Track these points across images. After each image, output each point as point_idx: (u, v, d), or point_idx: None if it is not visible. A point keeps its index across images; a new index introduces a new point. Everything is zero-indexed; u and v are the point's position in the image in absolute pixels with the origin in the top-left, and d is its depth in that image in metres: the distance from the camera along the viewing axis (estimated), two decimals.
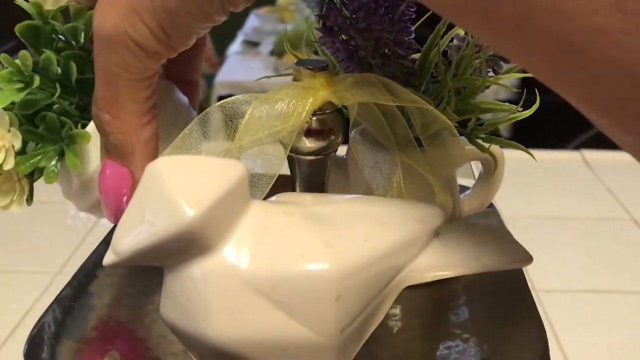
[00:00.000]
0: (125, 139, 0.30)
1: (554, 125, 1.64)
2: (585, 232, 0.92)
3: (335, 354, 0.28)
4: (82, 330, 0.33)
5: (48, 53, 0.33)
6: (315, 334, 0.27)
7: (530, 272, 0.78)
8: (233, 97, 0.32)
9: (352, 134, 0.34)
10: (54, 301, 0.34)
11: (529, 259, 0.31)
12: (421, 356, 0.33)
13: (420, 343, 0.34)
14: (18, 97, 0.32)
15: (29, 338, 0.31)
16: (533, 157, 0.35)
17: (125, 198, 0.31)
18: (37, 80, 0.32)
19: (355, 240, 0.28)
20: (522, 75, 0.35)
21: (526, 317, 0.34)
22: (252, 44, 2.04)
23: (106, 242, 0.41)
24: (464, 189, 0.42)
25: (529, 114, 0.35)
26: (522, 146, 0.36)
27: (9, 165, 0.32)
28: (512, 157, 0.44)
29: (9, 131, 0.32)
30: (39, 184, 0.35)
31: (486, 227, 0.33)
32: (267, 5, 2.27)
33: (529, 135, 1.59)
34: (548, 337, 0.69)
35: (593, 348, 0.68)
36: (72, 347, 0.32)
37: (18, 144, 0.32)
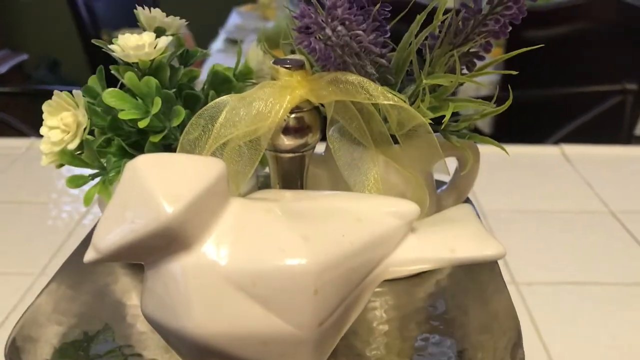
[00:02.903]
0: None
1: (534, 122, 1.65)
2: (565, 225, 0.93)
3: (313, 347, 0.29)
4: (63, 329, 0.34)
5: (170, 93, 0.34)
6: (293, 328, 0.28)
7: (511, 265, 0.79)
8: (210, 103, 0.32)
9: (330, 131, 0.35)
10: (34, 300, 0.35)
11: (502, 252, 0.32)
12: (399, 349, 0.33)
13: (398, 336, 0.34)
14: (145, 122, 0.33)
15: (9, 338, 0.32)
16: (506, 152, 0.36)
17: None
18: (158, 103, 0.33)
19: (333, 235, 0.29)
20: (495, 72, 0.35)
21: (500, 307, 0.34)
22: (234, 42, 2.04)
23: (87, 242, 0.41)
24: (440, 184, 0.43)
25: (503, 109, 0.36)
26: (496, 142, 0.36)
27: (73, 145, 0.33)
28: (492, 153, 0.45)
29: (84, 115, 0.33)
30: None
31: (461, 221, 0.33)
32: (249, 2, 2.27)
33: (509, 132, 1.61)
34: (529, 328, 0.70)
35: (573, 338, 0.69)
36: (53, 346, 0.33)
37: (84, 123, 0.33)
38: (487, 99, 0.36)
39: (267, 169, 0.42)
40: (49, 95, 0.35)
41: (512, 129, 1.74)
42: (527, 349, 0.68)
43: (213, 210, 0.28)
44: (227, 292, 0.27)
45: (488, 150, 1.26)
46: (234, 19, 2.03)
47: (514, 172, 1.10)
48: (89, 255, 0.27)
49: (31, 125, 1.11)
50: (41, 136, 0.35)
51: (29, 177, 1.00)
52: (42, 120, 0.35)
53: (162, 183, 0.26)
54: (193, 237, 0.27)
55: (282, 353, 0.28)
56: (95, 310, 0.35)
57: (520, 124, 1.71)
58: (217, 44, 2.19)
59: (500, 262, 0.84)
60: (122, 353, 0.33)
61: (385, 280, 0.38)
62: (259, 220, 0.29)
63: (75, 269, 0.38)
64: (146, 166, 0.27)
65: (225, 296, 0.27)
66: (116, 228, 0.27)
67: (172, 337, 0.29)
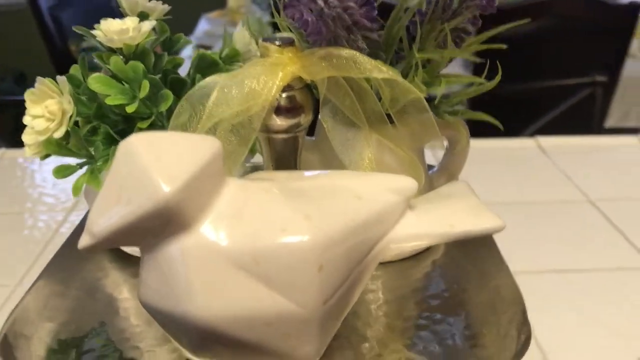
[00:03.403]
0: None
1: (508, 116, 1.67)
2: (545, 215, 0.94)
3: (318, 326, 0.28)
4: (55, 325, 0.33)
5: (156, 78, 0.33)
6: (298, 306, 0.27)
7: None
8: (198, 84, 0.31)
9: (322, 113, 0.34)
10: (24, 297, 0.33)
11: (501, 224, 0.32)
12: (402, 328, 0.33)
13: (399, 316, 0.34)
14: (132, 107, 0.32)
15: (1, 334, 0.30)
16: (500, 127, 0.35)
17: None
18: (146, 87, 0.32)
19: (334, 213, 0.28)
20: (486, 46, 0.35)
21: (502, 283, 0.34)
22: (204, 48, 2.03)
23: (74, 235, 0.40)
24: (429, 167, 0.42)
25: (494, 85, 0.36)
26: (490, 116, 0.36)
27: (59, 133, 0.32)
28: (471, 146, 0.44)
29: (70, 102, 0.32)
30: None
31: (458, 196, 0.33)
32: (218, 9, 2.25)
33: (484, 127, 1.63)
34: None
35: (559, 325, 0.69)
36: (46, 342, 0.31)
37: (70, 110, 0.32)
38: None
39: (252, 160, 0.41)
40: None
41: (487, 124, 1.75)
42: None
43: (211, 189, 0.27)
44: (229, 273, 0.26)
45: None
46: (203, 26, 2.02)
47: (491, 165, 1.11)
48: (84, 241, 0.26)
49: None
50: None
51: (1, 187, 0.97)
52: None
53: (157, 162, 0.26)
54: (191, 218, 0.26)
55: (287, 333, 0.28)
56: (87, 305, 0.34)
57: (495, 118, 1.73)
58: (187, 50, 2.17)
59: None
60: (117, 347, 0.31)
61: (381, 263, 0.38)
62: (258, 199, 0.28)
63: (64, 265, 0.37)
64: (140, 145, 0.26)
65: (227, 277, 0.26)
66: (111, 210, 0.26)
67: (172, 325, 0.28)
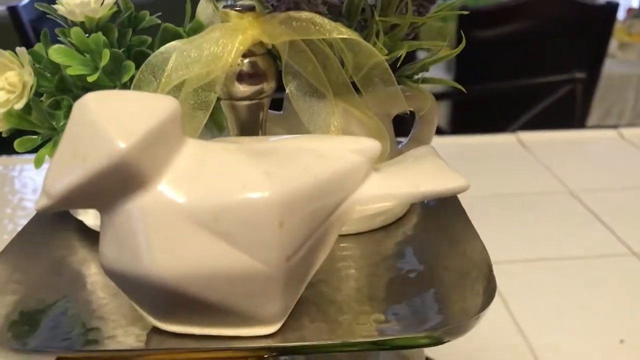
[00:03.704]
0: None
1: (490, 115, 1.68)
2: (527, 206, 0.95)
3: (281, 285, 0.28)
4: (18, 298, 0.32)
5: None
6: (260, 263, 0.27)
7: None
8: (155, 52, 0.31)
9: (285, 79, 0.34)
10: None
11: (465, 184, 0.32)
12: (370, 292, 0.33)
13: (369, 282, 0.34)
14: (94, 77, 0.32)
15: None
16: (462, 89, 0.36)
17: None
18: (106, 55, 0.31)
19: (295, 170, 0.28)
20: (449, 13, 0.36)
21: (469, 246, 0.34)
22: None
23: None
24: (398, 143, 0.42)
25: (458, 51, 0.36)
26: (452, 81, 0.36)
27: (20, 104, 0.32)
28: (450, 143, 0.45)
29: (30, 74, 0.31)
30: None
31: (423, 158, 0.33)
32: None
33: (467, 125, 1.64)
34: (499, 306, 0.71)
35: (543, 312, 0.70)
36: (8, 314, 0.31)
37: (31, 82, 0.32)
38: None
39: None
40: None
41: (469, 122, 1.77)
42: (498, 325, 0.69)
43: (169, 147, 0.27)
44: (188, 230, 0.26)
45: (446, 142, 1.28)
46: None
47: (472, 161, 1.12)
48: (41, 202, 0.26)
49: None
50: None
51: None
52: None
53: (113, 119, 0.25)
54: (149, 175, 0.26)
55: (250, 292, 0.27)
56: (52, 280, 0.34)
57: (477, 117, 1.74)
58: None
59: None
60: (81, 319, 0.31)
61: (351, 235, 0.38)
62: (218, 158, 0.28)
63: (29, 242, 0.36)
64: (96, 103, 0.26)
65: (187, 234, 0.26)
66: (67, 170, 0.25)
67: (134, 287, 0.28)
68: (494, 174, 1.06)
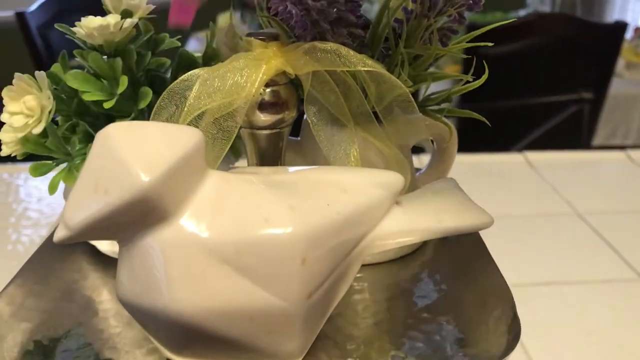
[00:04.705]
0: None
1: (497, 133, 1.68)
2: (534, 228, 0.94)
3: (302, 322, 0.27)
4: (31, 326, 0.32)
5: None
6: (281, 300, 0.26)
7: None
8: (179, 79, 0.31)
9: (307, 109, 0.33)
10: None
11: (490, 220, 0.31)
12: (389, 328, 0.32)
13: (388, 316, 0.33)
14: (110, 103, 0.32)
15: None
16: (487, 122, 0.35)
17: None
18: (124, 82, 0.31)
19: (319, 205, 0.28)
20: (471, 45, 0.35)
21: (490, 281, 0.33)
22: None
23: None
24: (416, 170, 0.42)
25: (480, 83, 0.35)
26: (475, 113, 0.36)
27: (38, 129, 0.31)
28: (457, 162, 0.44)
29: (49, 97, 0.31)
30: None
31: (446, 193, 0.33)
32: (206, 29, 2.27)
33: (474, 143, 1.63)
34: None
35: (550, 337, 0.69)
36: (21, 342, 0.30)
37: (49, 106, 0.31)
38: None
39: (237, 163, 0.41)
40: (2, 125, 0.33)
41: (476, 141, 1.76)
42: None
43: (191, 180, 0.26)
44: (209, 266, 0.26)
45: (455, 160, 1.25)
46: (192, 45, 2.02)
47: (479, 179, 1.12)
48: (60, 234, 0.26)
49: None
50: None
51: None
52: None
53: (136, 151, 0.25)
54: (171, 209, 0.25)
55: (270, 330, 0.27)
56: (64, 306, 0.33)
57: (484, 135, 1.74)
58: None
59: None
60: (94, 349, 0.30)
61: (368, 265, 0.37)
62: (240, 191, 0.27)
63: (41, 266, 0.36)
64: (119, 134, 0.25)
65: (207, 270, 0.26)
66: (88, 202, 0.25)
67: (152, 322, 0.27)
68: (499, 193, 1.06)
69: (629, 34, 2.03)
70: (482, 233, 0.92)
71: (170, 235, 0.26)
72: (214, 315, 0.26)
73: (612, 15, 2.83)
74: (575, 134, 1.67)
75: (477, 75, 0.35)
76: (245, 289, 0.26)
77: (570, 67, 1.73)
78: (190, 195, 0.26)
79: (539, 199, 1.03)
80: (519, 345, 0.70)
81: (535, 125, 1.65)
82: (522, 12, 2.30)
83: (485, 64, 0.35)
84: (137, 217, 0.25)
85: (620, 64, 1.97)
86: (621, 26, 1.73)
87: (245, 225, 0.26)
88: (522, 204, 1.01)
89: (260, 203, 0.27)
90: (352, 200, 0.29)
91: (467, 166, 1.16)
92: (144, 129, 0.26)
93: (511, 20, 0.36)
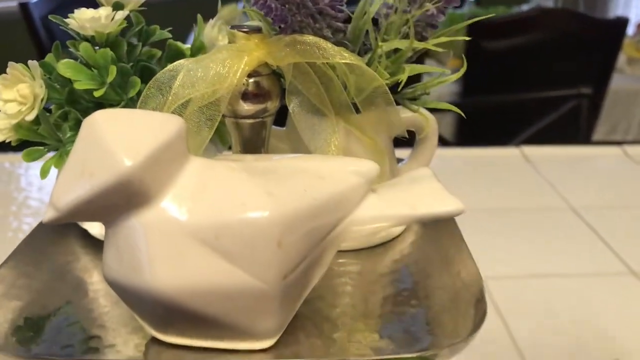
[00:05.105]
0: None
1: (495, 127, 1.69)
2: (528, 222, 0.95)
3: (278, 301, 0.28)
4: (22, 304, 0.33)
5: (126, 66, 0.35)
6: (258, 280, 0.28)
7: (477, 261, 0.81)
8: (163, 69, 0.32)
9: (288, 99, 0.35)
10: None
11: (461, 207, 0.32)
12: (365, 310, 0.33)
13: (364, 299, 0.34)
14: (100, 92, 0.33)
15: None
16: (461, 113, 0.36)
17: None
18: (113, 72, 0.32)
19: (296, 190, 0.29)
20: (451, 39, 0.36)
21: (462, 267, 0.35)
22: None
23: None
24: (398, 160, 0.43)
25: (458, 77, 0.37)
26: (452, 106, 0.37)
27: (31, 116, 0.33)
28: (455, 156, 0.46)
29: (41, 86, 0.32)
30: None
31: (420, 181, 0.34)
32: (210, 18, 2.28)
33: (472, 137, 1.64)
34: (496, 321, 0.71)
35: (539, 328, 0.70)
36: (12, 319, 0.32)
37: (41, 94, 0.33)
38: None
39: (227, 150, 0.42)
40: None
41: (474, 134, 1.77)
42: (494, 340, 0.69)
43: (173, 166, 0.28)
44: (189, 247, 0.27)
45: (449, 154, 1.27)
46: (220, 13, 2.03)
47: (476, 173, 1.13)
48: (49, 215, 0.27)
49: None
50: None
51: None
52: None
53: (120, 137, 0.26)
54: (153, 192, 0.27)
55: (248, 308, 0.28)
56: (56, 286, 0.35)
57: (483, 129, 1.75)
58: None
59: None
60: (82, 326, 0.32)
61: (350, 251, 0.39)
62: (220, 176, 0.29)
63: (34, 248, 0.37)
64: (104, 121, 0.27)
65: (188, 251, 0.27)
66: (75, 184, 0.26)
67: (135, 299, 0.29)
68: (496, 187, 1.07)
69: (631, 30, 2.03)
70: (476, 225, 0.93)
71: (153, 218, 0.27)
72: (194, 294, 0.27)
73: (616, 10, 2.83)
74: (574, 129, 1.68)
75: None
76: (224, 270, 0.27)
77: (571, 62, 1.74)
78: (172, 180, 0.28)
79: (534, 193, 1.04)
80: (506, 333, 0.71)
81: (534, 119, 1.66)
82: (525, 7, 2.31)
83: (465, 59, 0.37)
84: (121, 199, 0.26)
85: (622, 59, 1.97)
86: (622, 22, 1.73)
87: (224, 209, 0.27)
88: (517, 198, 1.02)
89: (239, 188, 0.28)
90: (328, 187, 0.30)
91: (464, 159, 1.17)
92: (128, 116, 0.28)
93: (489, 16, 0.37)
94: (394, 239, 0.40)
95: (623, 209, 0.98)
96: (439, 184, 0.34)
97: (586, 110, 1.64)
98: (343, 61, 0.31)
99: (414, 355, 0.30)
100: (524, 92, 1.69)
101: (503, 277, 0.80)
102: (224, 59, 0.31)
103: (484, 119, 1.76)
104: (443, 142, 1.69)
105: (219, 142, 0.40)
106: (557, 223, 0.94)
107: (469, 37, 0.38)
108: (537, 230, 0.91)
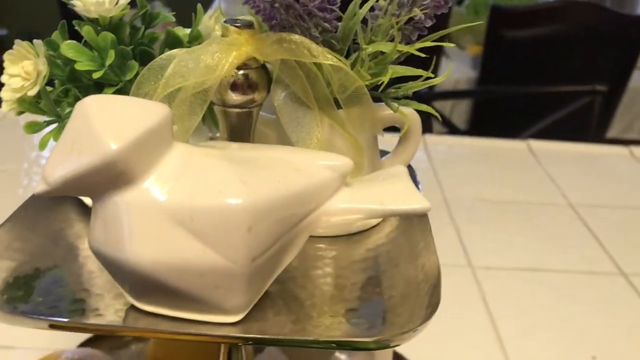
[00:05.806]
0: None
1: (507, 119, 1.69)
2: (525, 216, 0.96)
3: (246, 281, 0.31)
4: (15, 264, 0.36)
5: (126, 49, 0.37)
6: (228, 261, 0.30)
7: (469, 250, 0.83)
8: (159, 56, 0.34)
9: (273, 91, 0.37)
10: None
11: (427, 206, 0.34)
12: (332, 294, 0.36)
13: (333, 283, 0.37)
14: (99, 73, 0.35)
15: None
16: (437, 116, 0.38)
17: None
18: (112, 55, 0.34)
19: (270, 181, 0.31)
20: (434, 44, 0.38)
21: (426, 260, 0.37)
22: None
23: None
24: (384, 153, 0.45)
25: (441, 80, 0.38)
26: (430, 108, 0.39)
27: (33, 92, 0.35)
28: (461, 144, 0.47)
29: (44, 64, 0.35)
30: None
31: (393, 178, 0.36)
32: None
33: (484, 128, 1.65)
34: (481, 310, 0.73)
35: (522, 320, 0.72)
36: (3, 278, 0.35)
37: (44, 71, 0.35)
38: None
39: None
40: None
41: (487, 123, 1.78)
42: (477, 329, 0.71)
43: (157, 151, 0.30)
44: (166, 226, 0.29)
45: (458, 142, 1.28)
46: (220, 3, 2.04)
47: (481, 163, 1.14)
48: (40, 188, 0.30)
49: None
50: None
51: (0, 146, 1.01)
52: None
53: (108, 122, 0.29)
54: (136, 175, 0.29)
55: (218, 285, 0.31)
56: (48, 250, 0.37)
57: (495, 120, 1.75)
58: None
59: (458, 247, 0.87)
60: (69, 288, 0.35)
61: (327, 237, 0.41)
62: (200, 163, 0.31)
63: (31, 213, 0.40)
64: (95, 105, 0.29)
65: (165, 230, 0.29)
66: (65, 161, 0.29)
67: (116, 269, 0.32)
68: (498, 178, 1.08)
69: None
70: (473, 215, 0.94)
71: (135, 197, 0.29)
72: (168, 269, 0.30)
73: None
74: (584, 126, 1.68)
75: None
76: (197, 249, 0.30)
77: (590, 57, 1.73)
78: (156, 163, 0.30)
79: (535, 187, 1.05)
80: (490, 325, 0.73)
81: (546, 113, 1.66)
82: None
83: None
84: (106, 179, 0.29)
85: None
86: None
87: (200, 193, 0.30)
88: (518, 191, 1.03)
89: (216, 176, 0.31)
90: (302, 178, 0.33)
91: (471, 148, 1.19)
92: (117, 102, 0.30)
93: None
94: (371, 228, 0.42)
95: (620, 208, 0.99)
96: (410, 182, 0.36)
97: (599, 107, 1.64)
98: (326, 62, 0.33)
99: (370, 339, 0.32)
100: (538, 84, 1.69)
101: (493, 268, 0.82)
102: (214, 51, 0.33)
103: (496, 109, 1.77)
104: (455, 130, 1.71)
105: (213, 125, 0.42)
106: (553, 219, 0.95)
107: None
108: (533, 224, 0.93)
